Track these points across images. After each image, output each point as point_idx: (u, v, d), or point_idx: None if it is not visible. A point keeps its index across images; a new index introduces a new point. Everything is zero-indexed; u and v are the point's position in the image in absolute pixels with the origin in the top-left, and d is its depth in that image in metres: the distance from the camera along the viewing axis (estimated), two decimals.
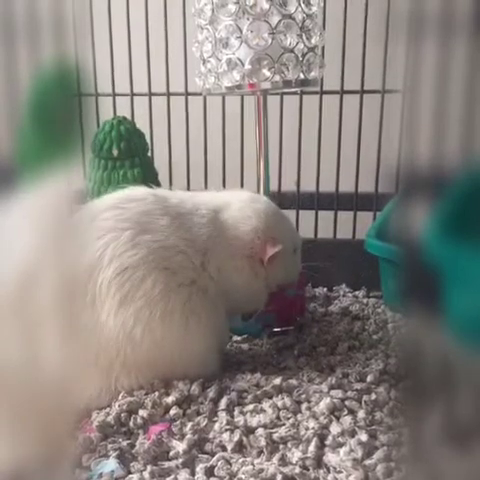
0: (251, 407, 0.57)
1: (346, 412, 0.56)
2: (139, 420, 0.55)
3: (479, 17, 0.27)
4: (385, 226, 0.83)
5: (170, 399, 0.58)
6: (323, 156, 0.97)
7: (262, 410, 0.57)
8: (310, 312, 0.86)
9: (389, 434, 0.52)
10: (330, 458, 0.50)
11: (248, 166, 0.96)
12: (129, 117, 0.94)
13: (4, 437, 0.29)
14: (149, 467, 0.49)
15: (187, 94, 0.98)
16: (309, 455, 0.50)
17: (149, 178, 0.84)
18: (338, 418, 0.55)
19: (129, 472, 0.49)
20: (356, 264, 0.93)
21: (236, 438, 0.52)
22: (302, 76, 0.76)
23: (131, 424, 0.55)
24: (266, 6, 0.72)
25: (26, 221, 0.29)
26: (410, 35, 0.27)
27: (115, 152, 0.86)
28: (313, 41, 0.76)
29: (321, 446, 0.51)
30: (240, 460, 0.50)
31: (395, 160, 0.75)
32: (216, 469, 0.49)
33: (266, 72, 0.74)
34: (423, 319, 0.28)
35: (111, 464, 0.49)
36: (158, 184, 0.86)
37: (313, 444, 0.51)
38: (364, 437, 0.51)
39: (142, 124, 0.93)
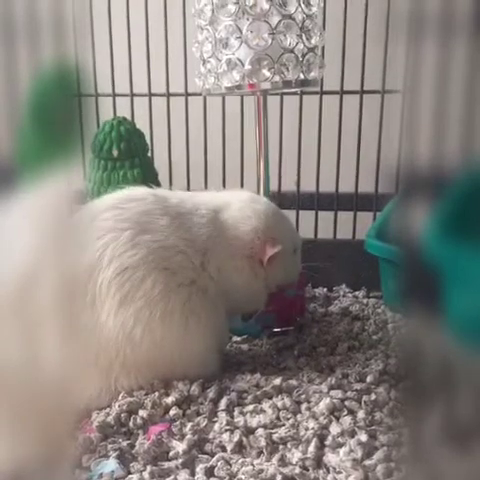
0: (251, 407, 0.57)
1: (346, 412, 0.56)
2: (139, 420, 0.55)
3: (479, 17, 0.27)
4: (385, 226, 0.83)
5: (170, 399, 0.58)
6: (323, 156, 0.97)
7: (262, 410, 0.57)
8: (310, 312, 0.86)
9: (389, 434, 0.52)
10: (330, 458, 0.50)
11: (248, 166, 0.96)
12: (129, 117, 0.94)
13: (4, 437, 0.29)
14: (149, 467, 0.49)
15: (187, 94, 0.98)
16: (309, 455, 0.50)
17: (149, 178, 0.84)
18: (338, 418, 0.55)
19: (129, 472, 0.49)
20: (356, 264, 0.93)
21: (236, 438, 0.52)
22: (302, 76, 0.76)
23: (131, 424, 0.55)
24: (266, 6, 0.72)
25: (26, 221, 0.29)
26: (410, 35, 0.27)
27: (115, 152, 0.86)
28: (313, 41, 0.76)
29: (321, 446, 0.51)
30: (240, 460, 0.50)
31: (395, 160, 0.75)
32: (216, 469, 0.49)
33: (266, 72, 0.74)
34: (423, 319, 0.28)
35: (111, 464, 0.49)
36: (158, 184, 0.86)
37: (313, 444, 0.51)
38: (364, 437, 0.51)
39: (142, 124, 0.93)
